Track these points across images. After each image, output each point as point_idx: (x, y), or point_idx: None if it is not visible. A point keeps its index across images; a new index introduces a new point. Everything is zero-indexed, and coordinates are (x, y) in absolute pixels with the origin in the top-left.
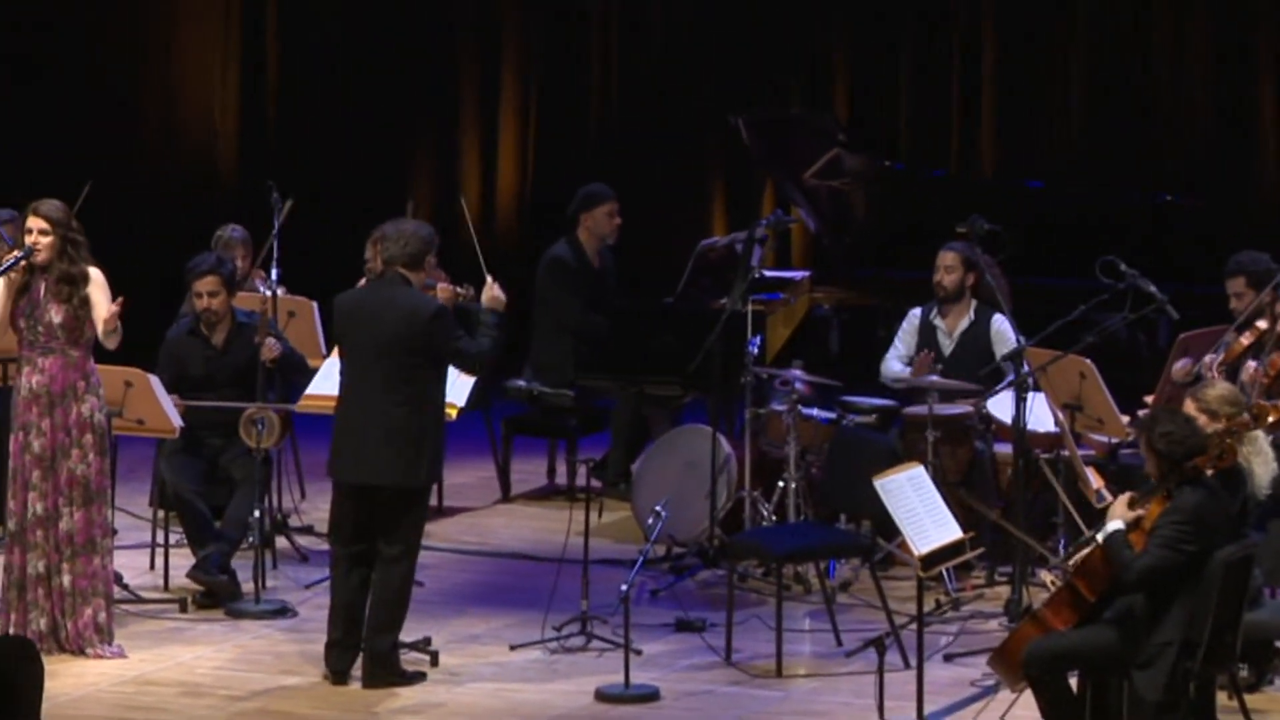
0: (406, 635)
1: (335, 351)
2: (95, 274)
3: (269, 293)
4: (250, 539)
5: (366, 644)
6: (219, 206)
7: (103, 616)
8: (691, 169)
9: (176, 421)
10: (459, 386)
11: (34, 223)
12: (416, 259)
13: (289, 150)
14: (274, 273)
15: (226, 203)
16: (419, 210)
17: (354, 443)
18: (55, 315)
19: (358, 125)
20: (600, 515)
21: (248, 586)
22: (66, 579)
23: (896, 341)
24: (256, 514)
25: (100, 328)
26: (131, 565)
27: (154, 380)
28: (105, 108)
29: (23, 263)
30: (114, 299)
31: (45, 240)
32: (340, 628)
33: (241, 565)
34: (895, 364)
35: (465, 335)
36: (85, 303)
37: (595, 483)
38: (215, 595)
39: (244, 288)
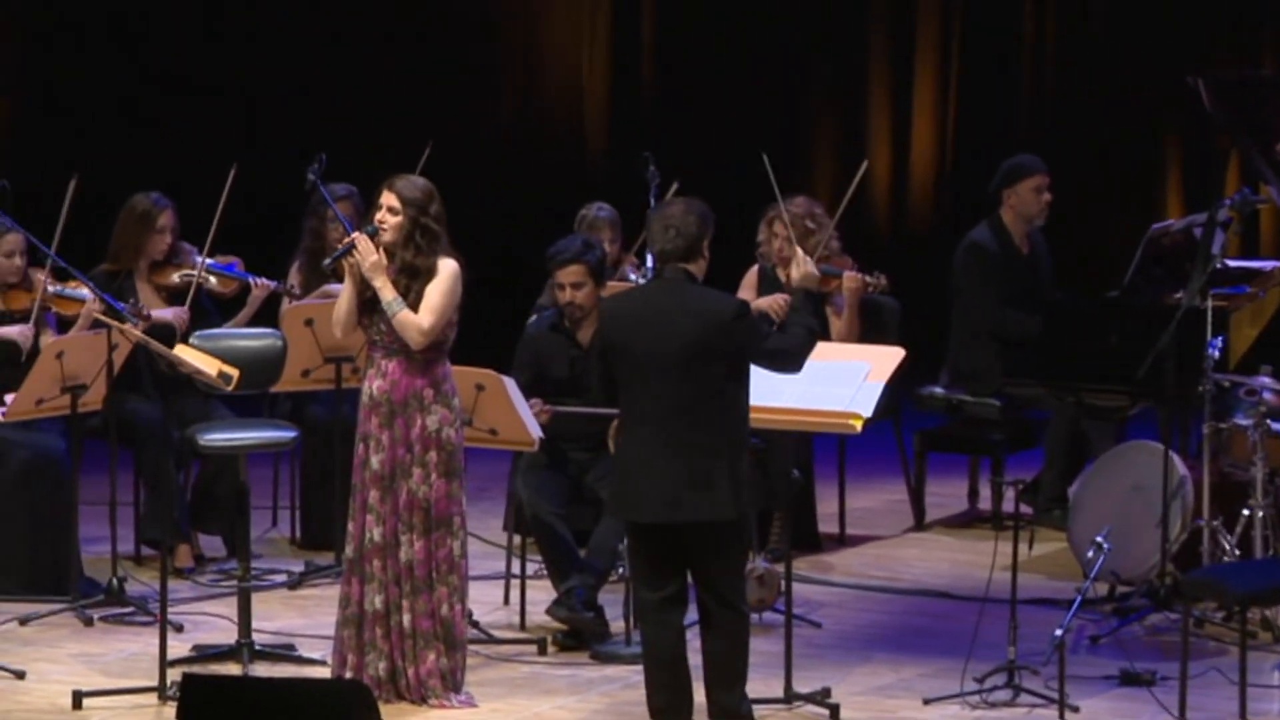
0: (802, 685)
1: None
2: (445, 267)
3: (643, 283)
4: (620, 570)
5: (714, 704)
6: (585, 181)
7: (446, 661)
8: (1141, 139)
9: (535, 432)
10: (865, 394)
11: (385, 198)
12: (693, 247)
13: (666, 116)
14: (649, 259)
15: (594, 177)
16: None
17: (647, 475)
18: None
19: (747, 87)
20: (1031, 547)
21: (617, 625)
22: (406, 618)
23: None
24: (627, 541)
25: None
26: (483, 599)
27: (509, 383)
28: (457, 67)
29: (359, 246)
30: (460, 291)
31: (393, 220)
32: (663, 693)
33: (610, 600)
34: None
35: (774, 332)
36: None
37: (1025, 508)
38: (579, 635)
39: (614, 277)
